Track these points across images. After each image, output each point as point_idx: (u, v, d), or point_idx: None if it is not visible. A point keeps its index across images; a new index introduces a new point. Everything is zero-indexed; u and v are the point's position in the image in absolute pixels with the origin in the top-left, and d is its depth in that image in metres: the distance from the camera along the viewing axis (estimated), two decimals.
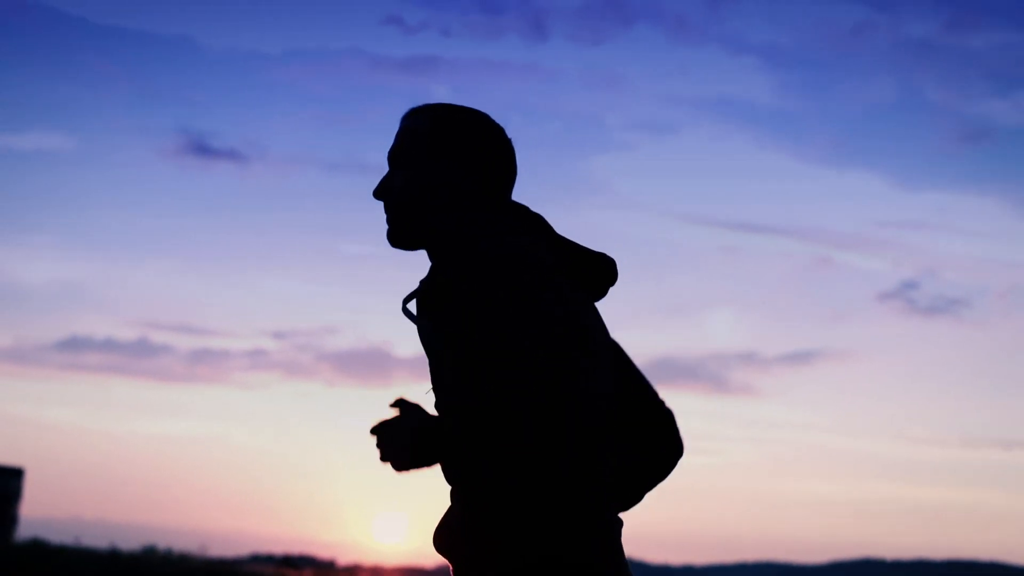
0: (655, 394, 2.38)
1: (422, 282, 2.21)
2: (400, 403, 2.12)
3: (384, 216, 2.37)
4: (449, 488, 2.22)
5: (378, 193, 2.37)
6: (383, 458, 2.10)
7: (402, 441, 2.07)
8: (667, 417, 2.36)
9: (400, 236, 2.34)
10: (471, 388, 2.07)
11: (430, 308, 2.16)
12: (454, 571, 2.22)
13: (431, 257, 2.34)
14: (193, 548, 25.40)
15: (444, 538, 2.23)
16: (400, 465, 2.09)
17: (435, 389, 2.20)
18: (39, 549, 23.14)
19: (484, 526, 2.13)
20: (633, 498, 2.37)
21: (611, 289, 2.35)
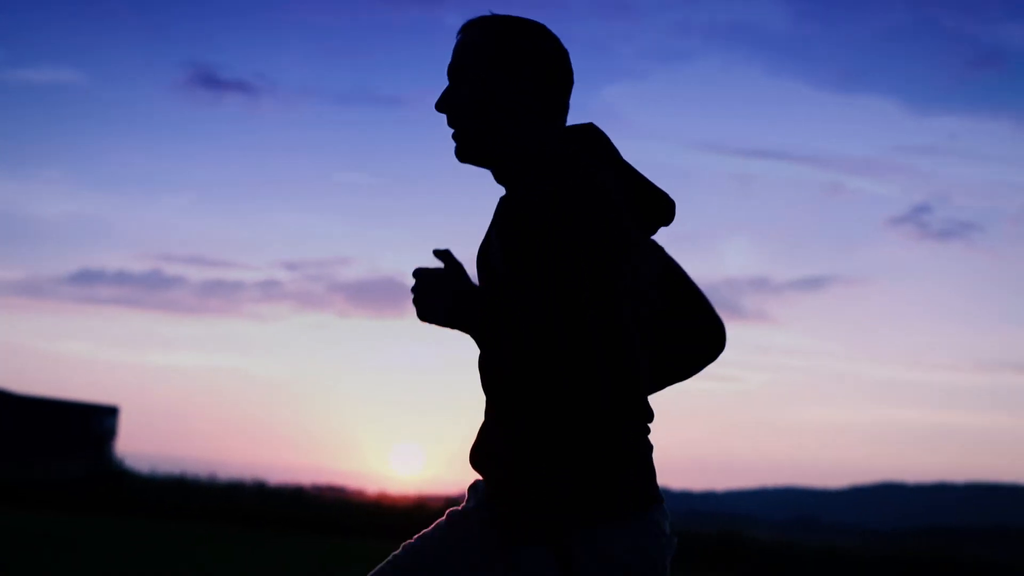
0: (710, 308, 2.43)
1: (507, 200, 2.19)
2: (446, 257, 2.19)
3: (449, 131, 2.35)
4: (484, 402, 2.27)
5: (440, 106, 2.35)
6: (416, 302, 2.17)
7: (440, 297, 2.15)
8: (716, 322, 2.42)
9: (470, 151, 2.33)
10: (531, 300, 2.07)
11: (509, 229, 2.14)
12: (489, 489, 2.29)
13: (502, 173, 2.33)
14: (203, 477, 24.21)
15: (480, 455, 2.28)
16: (429, 318, 2.17)
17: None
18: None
19: (519, 442, 2.17)
20: (675, 379, 2.45)
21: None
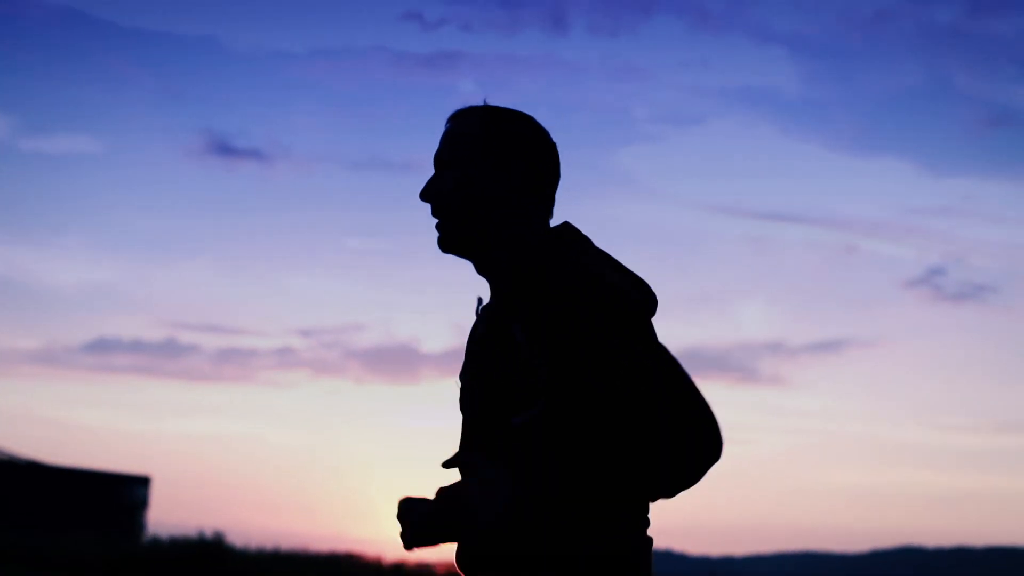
0: (705, 405, 2.24)
1: (509, 298, 2.21)
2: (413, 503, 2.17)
3: (432, 221, 2.32)
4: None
5: (425, 195, 2.32)
6: (402, 536, 2.17)
7: (406, 526, 2.15)
8: (710, 420, 2.21)
9: (454, 241, 2.30)
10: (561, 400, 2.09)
11: (536, 326, 2.13)
12: None
13: (485, 265, 2.30)
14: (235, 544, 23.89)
15: (466, 557, 2.20)
16: (405, 544, 2.17)
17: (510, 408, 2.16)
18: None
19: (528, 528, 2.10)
20: (669, 492, 2.22)
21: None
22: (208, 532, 21.87)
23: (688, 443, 2.15)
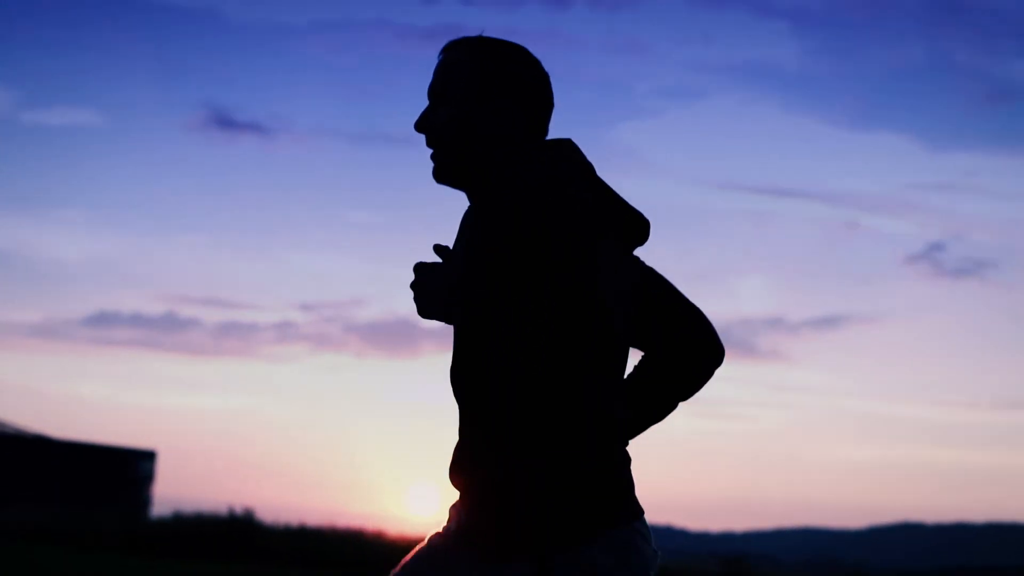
0: (698, 316, 2.25)
1: (469, 212, 2.28)
2: (445, 252, 2.27)
3: (428, 151, 2.33)
4: (459, 415, 2.24)
5: (419, 126, 2.33)
6: (416, 298, 2.25)
7: (438, 292, 2.22)
8: (704, 327, 2.23)
9: (447, 172, 2.31)
10: (499, 314, 2.09)
11: (481, 225, 2.15)
12: (467, 504, 2.22)
13: (473, 193, 2.31)
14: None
15: (457, 469, 2.24)
16: (426, 313, 2.25)
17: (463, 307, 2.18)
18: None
19: (495, 454, 2.14)
20: (669, 406, 2.26)
21: (642, 255, 2.31)
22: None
23: (685, 347, 2.21)
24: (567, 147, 2.29)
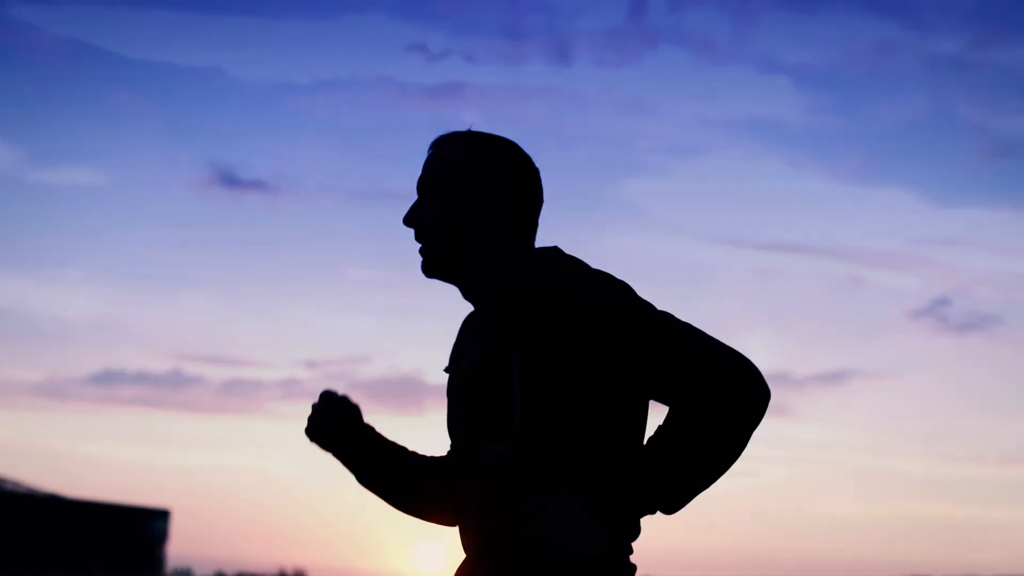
0: (730, 350, 2.12)
1: (488, 314, 2.25)
2: (342, 403, 2.37)
3: (416, 245, 2.31)
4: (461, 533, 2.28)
5: (408, 220, 2.31)
6: (311, 421, 2.36)
7: (335, 427, 2.35)
8: (747, 366, 2.10)
9: (436, 264, 2.28)
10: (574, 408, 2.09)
11: (522, 335, 2.12)
12: (472, 561, 2.24)
13: (470, 290, 2.29)
14: None
15: (465, 531, 2.26)
16: (317, 440, 2.37)
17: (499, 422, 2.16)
18: None
19: (507, 510, 2.13)
20: (709, 463, 2.10)
21: None
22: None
23: (737, 394, 2.07)
24: (557, 254, 2.27)
